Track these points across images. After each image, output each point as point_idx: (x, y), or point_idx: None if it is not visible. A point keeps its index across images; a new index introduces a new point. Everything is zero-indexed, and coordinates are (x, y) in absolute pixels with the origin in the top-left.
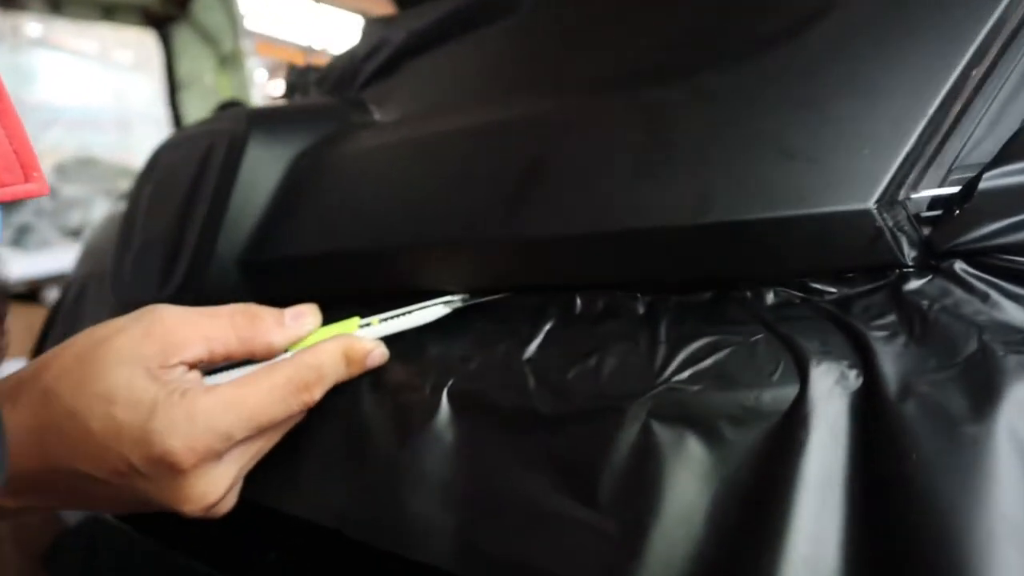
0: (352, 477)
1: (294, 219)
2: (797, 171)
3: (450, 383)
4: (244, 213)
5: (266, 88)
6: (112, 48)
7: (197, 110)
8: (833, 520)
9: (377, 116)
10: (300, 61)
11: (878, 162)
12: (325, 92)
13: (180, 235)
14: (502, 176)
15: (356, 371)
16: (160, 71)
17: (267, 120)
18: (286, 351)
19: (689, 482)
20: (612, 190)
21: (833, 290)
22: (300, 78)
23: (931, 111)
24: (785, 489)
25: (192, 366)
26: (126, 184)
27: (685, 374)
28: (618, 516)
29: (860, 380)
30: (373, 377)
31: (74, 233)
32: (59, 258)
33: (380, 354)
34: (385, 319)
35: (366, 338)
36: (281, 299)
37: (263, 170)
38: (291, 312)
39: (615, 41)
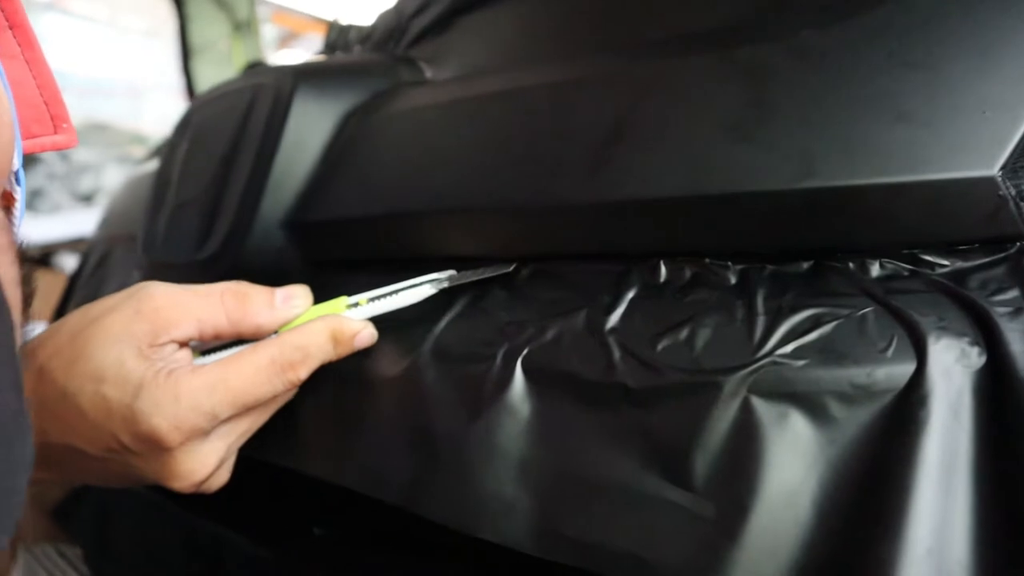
0: (417, 451)
1: (345, 180)
2: (910, 135)
3: (525, 352)
4: (289, 173)
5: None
6: (124, 13)
7: (211, 77)
8: (959, 509)
9: (429, 74)
10: (315, 30)
11: (1001, 126)
12: (370, 49)
13: (219, 195)
14: (582, 136)
15: (344, 352)
16: (173, 37)
17: (315, 75)
18: (275, 332)
19: (794, 463)
20: (705, 152)
21: (946, 262)
22: (341, 36)
23: None
24: (903, 473)
25: (183, 344)
26: (138, 150)
27: (788, 348)
28: (716, 498)
29: (983, 358)
30: (435, 345)
31: (86, 198)
32: (71, 223)
33: (368, 335)
34: (374, 298)
35: (354, 319)
36: (329, 263)
37: (310, 127)
38: (281, 293)
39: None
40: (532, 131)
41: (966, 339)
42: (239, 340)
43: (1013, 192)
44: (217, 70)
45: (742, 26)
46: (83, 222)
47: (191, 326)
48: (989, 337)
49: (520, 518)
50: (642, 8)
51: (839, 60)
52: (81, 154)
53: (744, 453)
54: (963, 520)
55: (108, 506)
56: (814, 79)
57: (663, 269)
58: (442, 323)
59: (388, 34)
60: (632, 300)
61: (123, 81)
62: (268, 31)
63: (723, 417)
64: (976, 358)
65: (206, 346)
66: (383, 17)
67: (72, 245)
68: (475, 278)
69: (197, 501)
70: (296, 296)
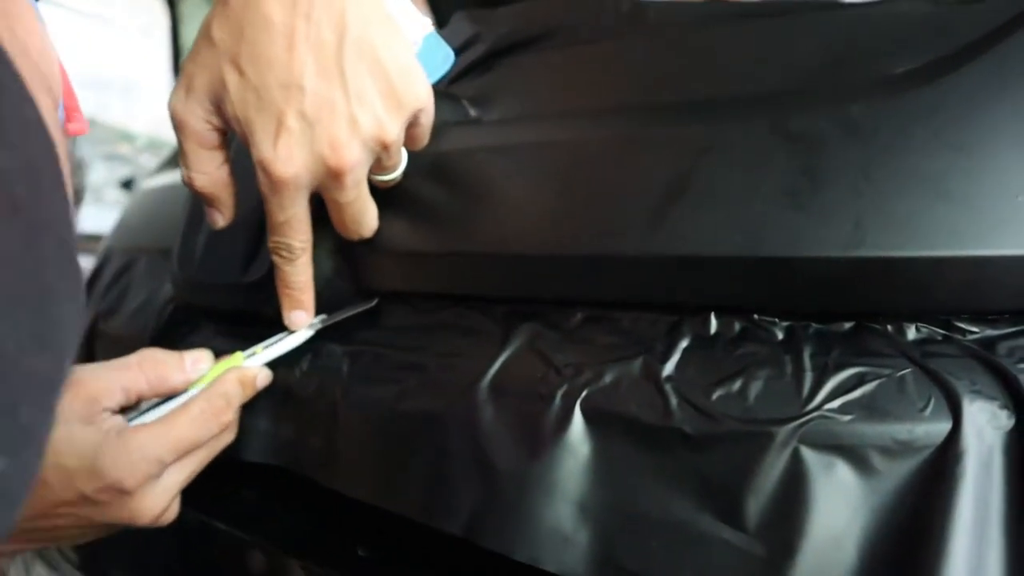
0: (478, 484)
1: (400, 213)
2: (951, 212)
3: (584, 394)
4: None
5: None
6: (118, 11)
7: None
8: (992, 559)
9: (473, 112)
10: None
11: None
12: None
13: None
14: (644, 191)
15: (250, 393)
16: (167, 36)
17: None
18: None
19: (839, 509)
20: (760, 215)
21: (976, 329)
22: None
23: None
24: (940, 523)
25: (115, 411)
26: (126, 148)
27: (835, 403)
28: (766, 538)
29: (1012, 420)
30: (493, 382)
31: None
32: None
33: (264, 376)
34: (267, 346)
35: (252, 367)
36: (377, 291)
37: None
38: (189, 358)
39: (752, 63)
40: (595, 182)
41: (997, 402)
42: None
43: None
44: None
45: (796, 93)
46: None
47: (119, 395)
48: (1017, 401)
49: (580, 551)
50: (696, 72)
51: (888, 136)
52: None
53: (794, 498)
54: (996, 567)
55: (150, 539)
56: (864, 153)
57: (714, 321)
58: (499, 361)
59: None
60: (685, 350)
61: (114, 77)
62: None
63: (775, 464)
64: (1006, 420)
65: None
66: None
67: None
68: (341, 317)
69: (250, 523)
70: (201, 360)
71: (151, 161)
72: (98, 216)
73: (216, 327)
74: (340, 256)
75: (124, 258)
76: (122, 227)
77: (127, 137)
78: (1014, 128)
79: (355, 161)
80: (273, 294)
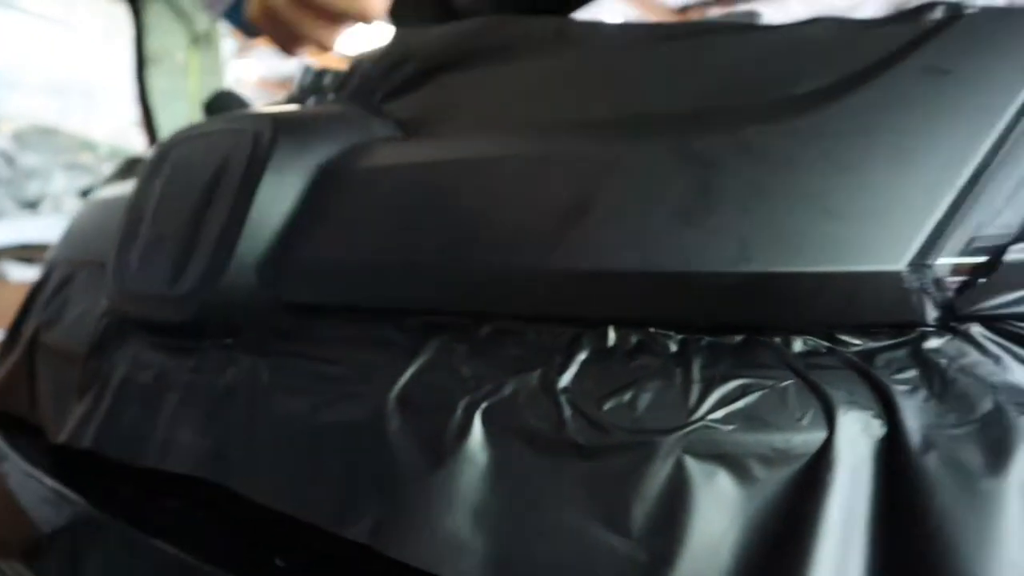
0: (382, 493)
1: (320, 228)
2: (833, 229)
3: (484, 406)
4: (266, 218)
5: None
6: (81, 16)
7: (164, 88)
8: (855, 560)
9: (402, 131)
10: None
11: (910, 227)
12: (345, 99)
13: (195, 234)
14: (547, 209)
15: None
16: (130, 43)
17: (295, 127)
18: None
19: (718, 516)
20: (656, 232)
21: (858, 342)
22: (315, 81)
23: (960, 183)
24: (810, 528)
25: None
26: (88, 158)
27: (719, 414)
28: (649, 545)
29: (884, 430)
30: (400, 394)
31: (31, 204)
32: (16, 229)
33: None
34: None
35: None
36: (301, 306)
37: (288, 176)
38: None
39: (661, 84)
40: (501, 199)
41: (870, 412)
42: None
43: (917, 285)
44: (171, 81)
45: (698, 114)
46: (29, 229)
47: None
48: (889, 411)
49: (476, 558)
50: (607, 93)
51: (778, 156)
52: (28, 159)
53: (676, 506)
54: (858, 569)
55: (78, 549)
56: (755, 172)
57: (612, 335)
58: (407, 374)
59: (364, 84)
60: (583, 362)
61: (75, 82)
62: (229, 44)
63: (659, 473)
64: (878, 429)
65: None
66: (359, 65)
67: (17, 252)
68: None
69: (171, 532)
70: None
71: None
72: (57, 226)
73: (150, 339)
74: (263, 270)
75: (66, 270)
76: (66, 239)
77: (89, 146)
78: (895, 150)
79: None
80: (199, 306)
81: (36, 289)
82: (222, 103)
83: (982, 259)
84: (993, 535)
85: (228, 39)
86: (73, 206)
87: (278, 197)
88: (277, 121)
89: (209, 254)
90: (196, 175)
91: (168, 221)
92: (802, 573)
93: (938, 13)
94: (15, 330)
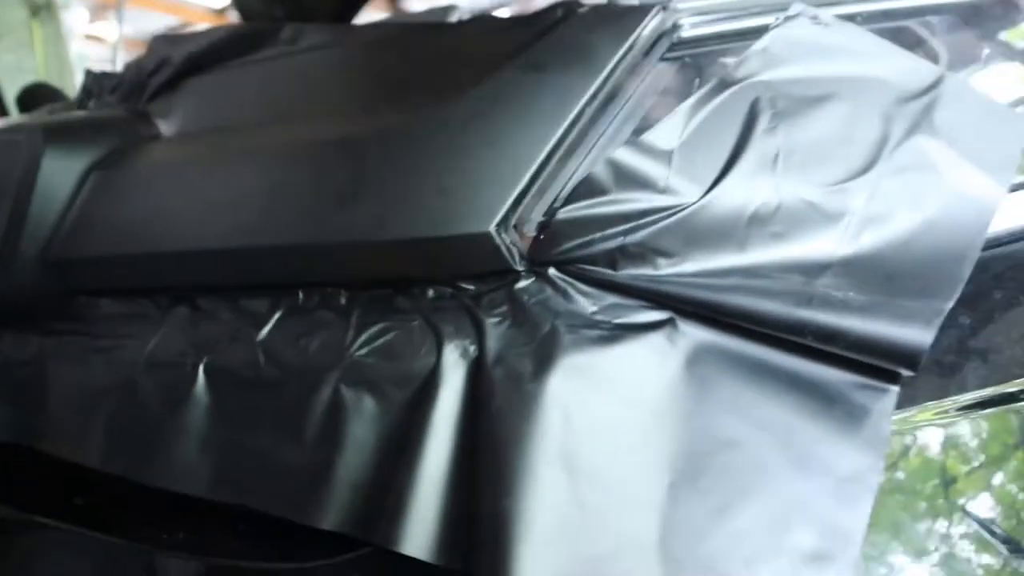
0: (135, 437)
1: (90, 224)
2: (445, 203)
3: (205, 360)
4: (43, 217)
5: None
6: None
7: (11, 63)
8: (448, 447)
9: (162, 128)
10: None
11: (497, 198)
12: (117, 101)
13: None
14: (245, 195)
15: None
16: None
17: (62, 135)
18: None
19: (364, 427)
20: (319, 212)
21: (472, 287)
22: (96, 83)
23: (538, 161)
24: (423, 427)
25: None
26: None
27: (365, 351)
28: (316, 453)
29: (476, 353)
30: (148, 358)
31: None
32: None
33: None
34: None
35: None
36: (82, 290)
37: (59, 180)
38: None
39: (345, 83)
40: (216, 190)
41: (467, 340)
42: None
43: (508, 241)
44: (17, 56)
45: (364, 110)
46: None
47: None
48: (480, 339)
49: (203, 476)
50: (304, 89)
51: (410, 145)
52: None
53: (334, 422)
54: (449, 453)
55: None
56: (391, 159)
57: (301, 296)
58: (153, 340)
59: (132, 88)
60: (278, 319)
61: None
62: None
63: (322, 399)
64: (472, 353)
65: None
66: (128, 70)
67: None
68: None
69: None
70: None
71: None
72: None
73: None
74: (46, 263)
75: None
76: None
77: None
78: (490, 137)
79: None
80: None
81: None
82: (35, 96)
83: (549, 218)
84: (531, 426)
85: (77, 6)
86: None
87: (51, 199)
88: (46, 131)
89: None
90: None
91: None
92: (419, 459)
93: (558, 14)
94: None
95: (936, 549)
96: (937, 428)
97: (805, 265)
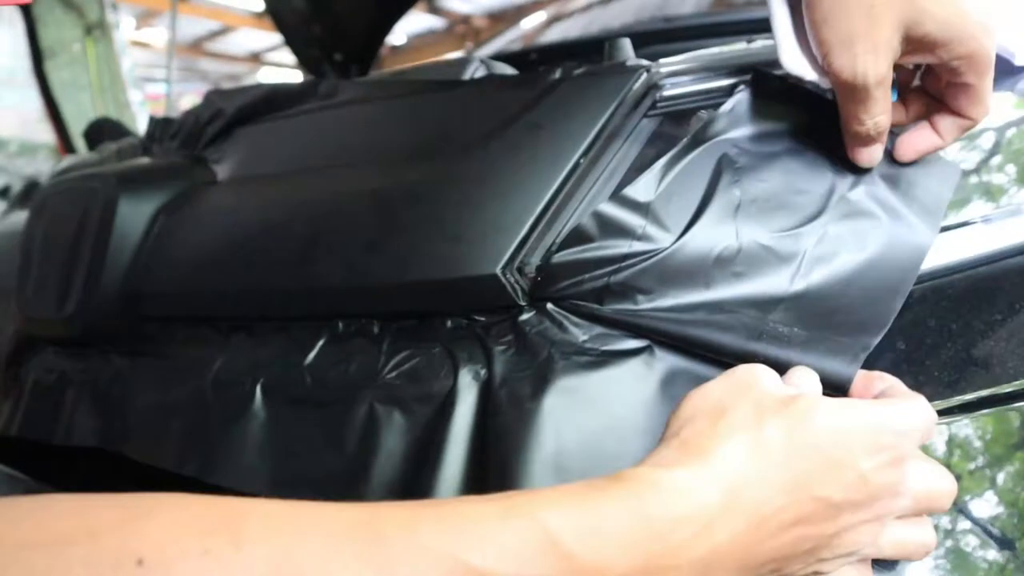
0: (203, 444)
1: (160, 260)
2: (457, 249)
3: (261, 380)
4: (120, 255)
5: (133, 36)
6: None
7: (66, 79)
8: (463, 455)
9: (217, 173)
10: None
11: (502, 244)
12: (177, 146)
13: (70, 272)
14: (291, 239)
15: None
16: (23, 38)
17: (133, 183)
18: None
19: (394, 438)
20: (355, 257)
21: (483, 319)
22: (158, 129)
23: (538, 211)
24: (443, 439)
25: None
26: (0, 158)
27: (394, 374)
28: (353, 461)
29: (485, 377)
30: (214, 377)
31: None
32: None
33: None
34: None
35: None
36: (153, 318)
37: (132, 222)
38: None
39: (373, 136)
40: (264, 236)
41: (479, 366)
42: None
43: (512, 280)
44: (72, 72)
45: (387, 161)
46: None
47: None
48: (489, 364)
49: (263, 477)
50: (340, 138)
51: (428, 197)
52: None
53: (369, 434)
54: (463, 459)
55: None
56: (413, 211)
57: (340, 325)
58: (216, 364)
59: (190, 135)
60: (322, 345)
61: None
62: (124, 23)
63: (360, 414)
64: (482, 376)
65: None
66: (187, 117)
67: None
68: None
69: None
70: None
71: (27, 166)
72: None
73: (52, 349)
74: (124, 294)
75: None
76: None
77: None
78: (498, 190)
79: None
80: (81, 324)
81: None
82: (101, 131)
83: (546, 261)
84: (530, 440)
85: (123, 19)
86: None
87: (126, 238)
88: (119, 179)
89: (82, 285)
90: (66, 223)
91: (50, 261)
92: (439, 465)
93: (556, 75)
94: None
95: (940, 543)
96: (942, 427)
97: (760, 301)
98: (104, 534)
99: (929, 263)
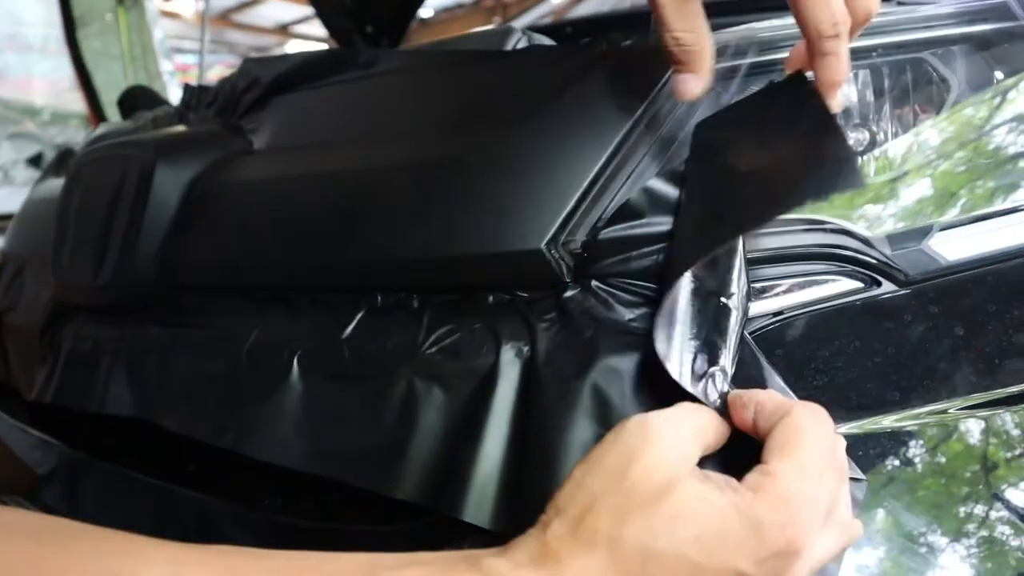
0: (239, 417)
1: (196, 228)
2: (502, 223)
3: (299, 352)
4: (156, 222)
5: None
6: None
7: (99, 48)
8: (504, 433)
9: (254, 142)
10: None
11: (547, 218)
12: (213, 114)
13: (105, 239)
14: (332, 213)
15: None
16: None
17: (170, 149)
18: None
19: (434, 414)
20: (397, 229)
21: (526, 295)
22: (194, 97)
23: (585, 184)
24: (483, 417)
25: None
26: (31, 125)
27: (434, 349)
28: (391, 436)
29: (528, 354)
30: (250, 348)
31: None
32: None
33: None
34: None
35: None
36: (188, 286)
37: (168, 190)
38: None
39: (414, 107)
40: (305, 208)
41: (522, 342)
42: None
43: (556, 256)
44: (104, 41)
45: (433, 134)
46: None
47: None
48: (532, 340)
49: (299, 451)
50: (375, 116)
51: (473, 170)
52: None
53: (408, 409)
54: (505, 436)
55: (75, 482)
56: (451, 182)
57: (379, 299)
58: (253, 335)
59: (226, 104)
60: (360, 319)
61: (9, 35)
62: None
63: (399, 389)
64: (525, 353)
65: None
66: (222, 86)
67: None
68: None
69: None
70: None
71: (59, 135)
72: (9, 197)
73: (87, 317)
74: (160, 262)
75: (18, 262)
76: (16, 231)
77: (31, 111)
78: (545, 163)
79: None
80: (117, 290)
81: None
82: (136, 99)
83: (592, 237)
84: (574, 420)
85: None
86: (23, 176)
87: (163, 206)
88: (156, 147)
89: (117, 253)
90: (102, 191)
91: (86, 228)
92: (480, 442)
93: (603, 47)
94: None
95: (974, 532)
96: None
97: None
98: None
99: (985, 247)
